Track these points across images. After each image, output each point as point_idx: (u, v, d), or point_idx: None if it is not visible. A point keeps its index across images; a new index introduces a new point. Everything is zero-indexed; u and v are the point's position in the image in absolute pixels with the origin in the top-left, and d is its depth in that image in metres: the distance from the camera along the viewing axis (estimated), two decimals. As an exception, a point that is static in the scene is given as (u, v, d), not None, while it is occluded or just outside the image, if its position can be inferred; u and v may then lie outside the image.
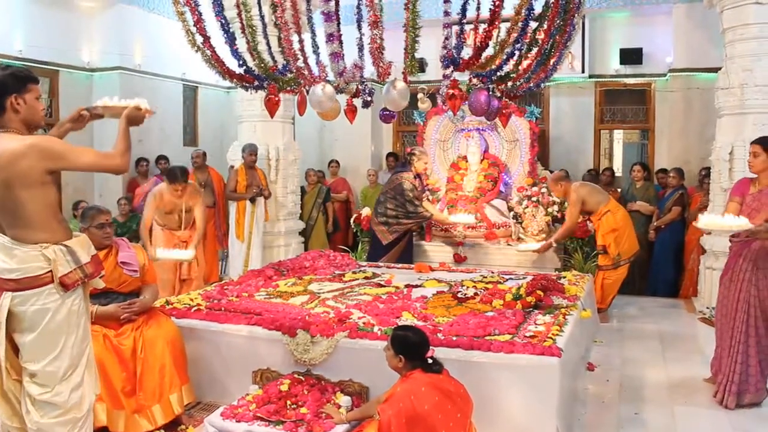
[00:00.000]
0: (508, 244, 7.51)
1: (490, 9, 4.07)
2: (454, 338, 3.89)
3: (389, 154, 10.41)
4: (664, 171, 8.64)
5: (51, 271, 2.90)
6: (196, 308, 4.67)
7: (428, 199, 7.71)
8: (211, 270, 8.54)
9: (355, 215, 8.58)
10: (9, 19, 8.37)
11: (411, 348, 3.31)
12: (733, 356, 4.35)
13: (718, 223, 4.22)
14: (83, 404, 3.04)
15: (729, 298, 4.39)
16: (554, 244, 7.02)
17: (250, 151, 8.06)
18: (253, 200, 8.02)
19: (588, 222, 7.08)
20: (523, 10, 4.12)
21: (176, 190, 6.38)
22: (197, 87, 10.85)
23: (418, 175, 7.32)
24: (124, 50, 9.46)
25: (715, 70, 7.33)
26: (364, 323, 4.22)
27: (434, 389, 3.16)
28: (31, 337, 2.91)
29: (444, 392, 3.18)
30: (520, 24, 4.18)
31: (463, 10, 4.03)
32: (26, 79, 3.04)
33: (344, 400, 3.74)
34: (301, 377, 3.96)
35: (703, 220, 4.27)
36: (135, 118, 3.40)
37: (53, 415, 2.94)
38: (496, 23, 4.01)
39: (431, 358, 3.30)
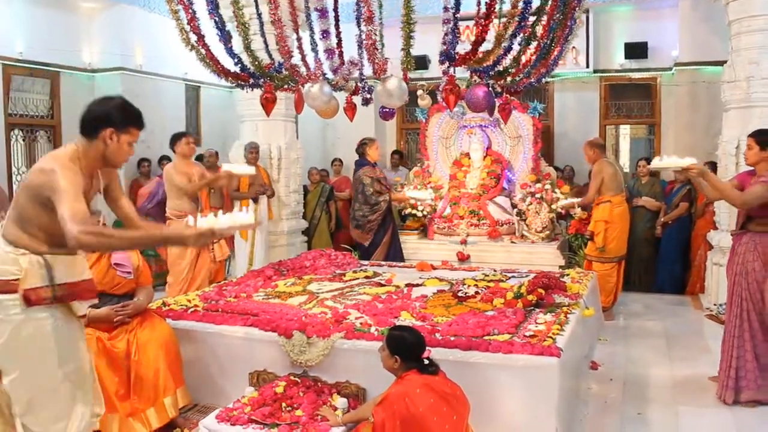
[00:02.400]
0: (512, 242, 7.43)
1: (486, 3, 4.01)
2: (452, 338, 3.82)
3: (394, 152, 10.34)
4: None
5: (18, 280, 2.71)
6: (192, 309, 4.63)
7: (398, 186, 7.79)
8: (217, 270, 8.50)
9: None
10: (10, 21, 8.35)
11: (407, 348, 3.25)
12: (729, 351, 4.35)
13: (671, 161, 4.49)
14: None
15: (728, 292, 4.44)
16: (576, 207, 7.03)
17: (251, 149, 8.03)
18: (256, 199, 7.98)
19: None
20: (520, 4, 4.05)
21: (188, 144, 6.19)
22: (199, 87, 10.81)
23: (375, 164, 7.19)
24: (125, 51, 9.43)
25: (722, 63, 7.23)
26: (361, 324, 4.16)
27: (429, 391, 3.09)
28: None
29: (439, 394, 3.11)
30: (517, 18, 4.11)
31: (457, 5, 3.97)
32: (131, 120, 2.91)
33: (341, 402, 3.68)
34: (297, 379, 3.90)
35: (656, 162, 4.61)
36: (193, 239, 2.75)
37: None
38: (492, 17, 3.94)
39: (427, 359, 3.24)
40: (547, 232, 7.41)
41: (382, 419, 3.05)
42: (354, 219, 7.08)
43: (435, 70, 8.80)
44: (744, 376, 4.29)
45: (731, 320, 4.37)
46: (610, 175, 6.62)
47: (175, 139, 6.27)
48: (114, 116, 2.84)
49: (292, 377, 3.92)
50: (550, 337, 3.79)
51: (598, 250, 6.57)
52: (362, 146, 7.18)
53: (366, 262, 6.81)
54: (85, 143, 2.85)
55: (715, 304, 6.63)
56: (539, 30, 4.56)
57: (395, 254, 7.12)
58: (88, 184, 2.91)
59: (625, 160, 11.24)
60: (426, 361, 3.23)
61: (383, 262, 6.81)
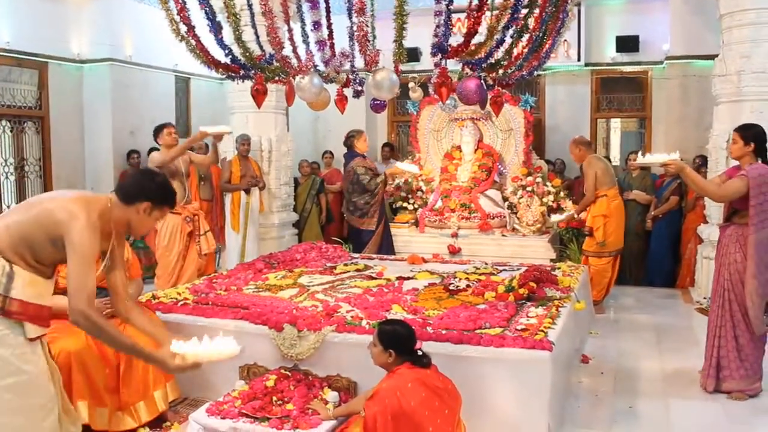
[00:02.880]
0: (503, 235, 7.43)
1: (478, -5, 3.98)
2: (444, 332, 3.81)
3: (384, 145, 10.30)
4: None
5: None
6: (182, 302, 4.60)
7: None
8: (207, 262, 8.45)
9: (348, 207, 8.50)
10: (-3, 11, 8.25)
11: (400, 341, 3.24)
12: (711, 340, 4.43)
13: (652, 158, 4.72)
14: None
15: (713, 283, 4.52)
16: (575, 216, 6.95)
17: (243, 140, 7.98)
18: (248, 191, 7.93)
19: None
20: (514, -5, 4.03)
21: (170, 134, 6.12)
22: (189, 78, 10.72)
23: (364, 155, 7.24)
24: (114, 41, 9.32)
25: (713, 57, 7.24)
26: (352, 317, 4.15)
27: (421, 385, 3.08)
28: None
29: (431, 388, 3.10)
30: (509, 10, 4.09)
31: (452, -5, 3.94)
32: (168, 201, 3.02)
33: (332, 395, 3.67)
34: (287, 372, 3.89)
35: (639, 159, 4.81)
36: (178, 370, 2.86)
37: None
38: (485, 9, 3.91)
39: (420, 350, 3.23)
40: (539, 225, 7.41)
41: (373, 413, 3.04)
42: (356, 209, 7.08)
43: (426, 62, 8.75)
44: (726, 365, 4.34)
45: (714, 310, 4.43)
46: (602, 170, 6.61)
47: (158, 130, 6.22)
48: (156, 193, 2.95)
49: (282, 371, 3.91)
50: (542, 331, 3.79)
51: (598, 245, 6.54)
52: (350, 139, 7.21)
53: (357, 255, 6.80)
54: (119, 205, 2.91)
55: (705, 298, 6.64)
56: (531, 22, 4.53)
57: (387, 246, 7.12)
58: (104, 244, 2.93)
59: (615, 153, 11.26)
60: (420, 352, 3.21)
61: (374, 255, 6.79)
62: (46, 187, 8.87)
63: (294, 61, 4.58)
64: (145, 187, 2.94)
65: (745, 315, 4.27)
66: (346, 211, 7.30)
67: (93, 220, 2.76)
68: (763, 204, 4.14)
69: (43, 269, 2.81)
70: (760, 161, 4.29)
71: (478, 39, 4.19)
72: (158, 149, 9.04)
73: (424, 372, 3.16)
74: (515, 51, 4.59)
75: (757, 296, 4.20)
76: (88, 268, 2.71)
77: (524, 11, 4.35)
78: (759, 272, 4.18)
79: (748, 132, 4.32)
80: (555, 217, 7.21)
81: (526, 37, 4.52)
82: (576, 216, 6.92)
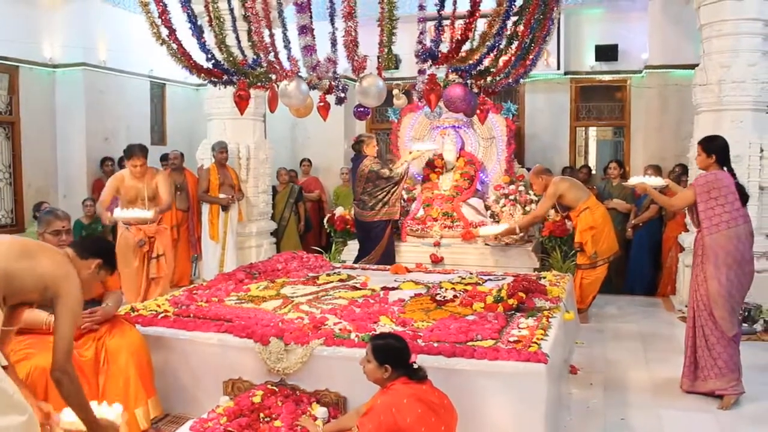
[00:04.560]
0: (486, 244, 7.37)
1: (470, 1, 3.92)
2: (436, 344, 3.72)
3: (362, 153, 10.21)
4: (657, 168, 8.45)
5: None
6: (163, 315, 4.45)
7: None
8: (182, 273, 8.30)
9: (328, 215, 8.40)
10: (-34, 13, 8.02)
11: (396, 356, 3.12)
12: (686, 341, 4.58)
13: (650, 181, 5.12)
14: None
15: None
16: (518, 231, 6.92)
17: (221, 148, 7.83)
18: (225, 208, 7.78)
19: (567, 220, 6.98)
20: (505, 3, 3.97)
21: (134, 166, 6.09)
22: (165, 84, 10.54)
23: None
24: (88, 46, 9.11)
25: (691, 66, 7.28)
26: (340, 329, 4.03)
27: (417, 401, 2.98)
28: None
29: (427, 404, 3.00)
30: (500, 17, 4.03)
31: (441, 2, 3.87)
32: (112, 265, 3.25)
33: (320, 411, 3.57)
34: (274, 388, 3.76)
35: (632, 180, 5.24)
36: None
37: None
38: (476, 15, 3.85)
39: (414, 363, 3.13)
40: (521, 234, 7.36)
41: (368, 431, 2.93)
42: (379, 202, 7.09)
43: (405, 69, 8.73)
44: (703, 365, 4.43)
45: (689, 312, 4.59)
46: (569, 189, 6.58)
47: (126, 154, 6.18)
48: (107, 255, 3.21)
49: (269, 386, 3.79)
50: (535, 343, 3.72)
51: (590, 257, 6.48)
52: (359, 143, 7.23)
53: (338, 265, 6.69)
54: (75, 259, 3.03)
55: (686, 306, 6.64)
56: (521, 29, 4.48)
57: (389, 255, 7.10)
58: None
59: (593, 161, 11.30)
60: (416, 365, 3.12)
61: (356, 265, 6.69)
62: (17, 195, 8.62)
63: (279, 66, 4.47)
64: (101, 247, 3.23)
65: (711, 315, 4.37)
66: (361, 210, 7.20)
67: (78, 279, 2.90)
68: (711, 209, 4.37)
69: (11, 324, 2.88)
70: (725, 170, 4.49)
71: (466, 46, 4.14)
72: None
73: (419, 387, 3.06)
74: (503, 58, 4.54)
75: (719, 297, 4.33)
76: (76, 325, 2.92)
77: (514, 18, 4.31)
78: (716, 274, 4.34)
79: (710, 144, 4.53)
80: (484, 230, 7.21)
81: (515, 44, 4.47)
82: (517, 231, 6.92)
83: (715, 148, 4.49)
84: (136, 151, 6.10)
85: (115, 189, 6.20)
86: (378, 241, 7.07)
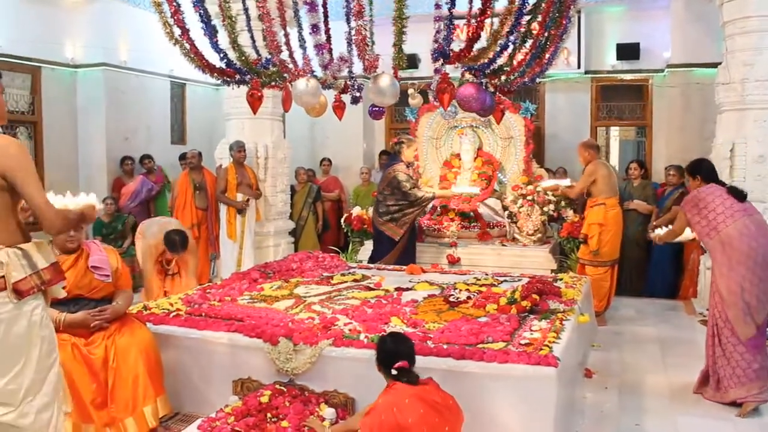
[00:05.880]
0: (503, 245, 7.30)
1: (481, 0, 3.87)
2: (445, 346, 3.68)
3: (382, 152, 10.19)
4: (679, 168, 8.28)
5: (4, 276, 2.63)
6: (175, 314, 4.46)
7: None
8: (201, 272, 8.32)
9: (345, 215, 8.38)
10: (-11, 14, 8.13)
11: (383, 357, 3.14)
12: (707, 349, 4.53)
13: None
14: (51, 427, 2.78)
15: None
16: (561, 185, 6.99)
17: (239, 147, 7.85)
18: (242, 212, 7.80)
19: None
20: (517, 1, 3.92)
21: (172, 258, 5.87)
22: (185, 84, 10.60)
23: (409, 164, 7.16)
24: (109, 46, 9.20)
25: (714, 65, 7.15)
26: (350, 330, 4.01)
27: (419, 401, 2.95)
28: None
29: (430, 404, 2.97)
30: (513, 14, 3.98)
31: (452, 0, 3.83)
32: None
33: (328, 412, 3.54)
34: (282, 388, 3.75)
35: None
36: (89, 217, 3.04)
37: None
38: (488, 12, 3.79)
39: (399, 369, 3.04)
40: (539, 235, 7.29)
41: (369, 430, 2.91)
42: (387, 213, 6.92)
43: (425, 69, 8.71)
44: (723, 375, 4.34)
45: (709, 320, 4.53)
46: (604, 177, 6.50)
47: (170, 248, 5.79)
48: None
49: (277, 386, 3.77)
50: (547, 346, 3.66)
51: (591, 253, 6.45)
52: (399, 144, 7.12)
53: (354, 265, 6.67)
54: None
55: (708, 309, 6.52)
56: (535, 28, 4.42)
57: (410, 257, 6.98)
58: None
59: (615, 162, 11.17)
60: (394, 372, 3.05)
61: (371, 265, 6.66)
62: (38, 193, 8.72)
63: (291, 66, 4.46)
64: None
65: (727, 319, 4.30)
66: (374, 212, 7.16)
67: None
68: (704, 218, 4.44)
69: (24, 227, 2.82)
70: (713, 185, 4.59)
71: (479, 45, 4.09)
72: (151, 157, 8.99)
73: (422, 387, 3.04)
74: (518, 57, 4.48)
75: (731, 295, 4.27)
76: (37, 183, 2.73)
77: (527, 17, 4.24)
78: (729, 274, 4.30)
79: (692, 168, 4.73)
80: (545, 183, 7.22)
81: (529, 42, 4.40)
82: (561, 185, 6.98)
83: (699, 170, 4.67)
84: (178, 248, 5.68)
85: (154, 259, 5.91)
86: (389, 248, 6.93)
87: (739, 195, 4.47)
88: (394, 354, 3.09)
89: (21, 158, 2.69)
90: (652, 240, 5.29)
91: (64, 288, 2.99)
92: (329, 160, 10.17)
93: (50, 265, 2.80)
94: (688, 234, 4.89)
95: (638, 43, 9.23)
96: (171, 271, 5.98)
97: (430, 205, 7.36)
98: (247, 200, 7.80)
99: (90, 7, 9.16)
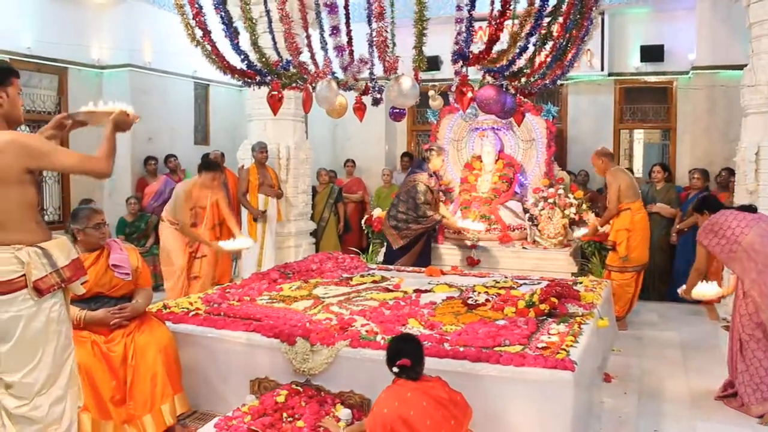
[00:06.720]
0: (524, 248, 7.26)
1: (501, 1, 3.86)
2: (461, 349, 3.67)
3: (404, 154, 10.19)
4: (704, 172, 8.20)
5: (24, 275, 2.69)
6: (194, 313, 4.50)
7: (443, 201, 7.50)
8: (223, 271, 8.38)
9: (366, 216, 8.39)
10: (18, 16, 8.25)
11: (389, 356, 3.18)
12: (729, 362, 4.52)
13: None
14: (64, 419, 2.85)
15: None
16: (600, 229, 6.75)
17: (261, 148, 7.90)
18: (257, 219, 7.87)
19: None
20: (536, 2, 3.90)
21: (214, 179, 6.20)
22: (209, 85, 10.70)
23: (434, 174, 7.11)
24: (134, 47, 9.32)
25: (740, 67, 7.05)
26: (367, 331, 4.02)
27: (422, 395, 3.00)
28: (6, 347, 2.71)
29: (434, 398, 3.01)
30: (532, 17, 3.96)
31: (472, 2, 3.82)
32: (9, 72, 2.93)
33: (344, 413, 3.54)
34: (299, 388, 3.76)
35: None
36: (123, 123, 3.17)
37: (30, 431, 2.75)
38: (507, 14, 3.78)
39: (401, 366, 3.09)
40: (560, 238, 7.24)
41: (371, 423, 2.98)
42: (394, 218, 6.92)
43: (447, 71, 8.68)
44: (744, 393, 4.29)
45: (731, 333, 4.51)
46: (626, 183, 6.44)
47: (210, 168, 6.23)
48: None
49: (294, 386, 3.79)
50: (564, 350, 3.63)
51: (621, 259, 6.37)
52: (429, 152, 7.09)
53: (374, 266, 6.67)
54: None
55: (731, 315, 6.43)
56: (555, 29, 4.40)
57: (425, 261, 6.96)
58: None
59: (638, 165, 11.05)
60: (396, 369, 3.10)
61: (391, 266, 6.66)
62: (64, 191, 8.85)
63: (311, 68, 4.49)
64: None
65: (759, 325, 4.24)
66: (386, 213, 7.16)
67: (8, 132, 2.83)
68: (718, 243, 4.43)
69: (44, 226, 2.90)
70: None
71: (499, 47, 4.08)
72: (176, 156, 9.08)
73: (425, 383, 3.08)
74: (538, 59, 4.46)
75: (762, 296, 4.21)
76: (63, 152, 2.99)
77: (547, 18, 4.23)
78: (750, 281, 4.30)
79: (698, 206, 4.83)
80: (578, 232, 7.05)
81: (549, 44, 4.38)
82: (600, 229, 6.74)
83: (706, 205, 4.73)
84: (218, 167, 6.24)
85: (188, 205, 6.26)
86: (397, 252, 6.93)
87: (749, 209, 4.54)
88: (398, 352, 3.13)
89: (32, 145, 2.79)
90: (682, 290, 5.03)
91: (84, 284, 3.04)
92: (353, 162, 10.18)
93: (71, 263, 2.85)
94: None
95: (662, 45, 9.15)
96: (200, 254, 6.12)
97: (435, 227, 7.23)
98: (264, 211, 7.87)
99: (115, 9, 9.28)
